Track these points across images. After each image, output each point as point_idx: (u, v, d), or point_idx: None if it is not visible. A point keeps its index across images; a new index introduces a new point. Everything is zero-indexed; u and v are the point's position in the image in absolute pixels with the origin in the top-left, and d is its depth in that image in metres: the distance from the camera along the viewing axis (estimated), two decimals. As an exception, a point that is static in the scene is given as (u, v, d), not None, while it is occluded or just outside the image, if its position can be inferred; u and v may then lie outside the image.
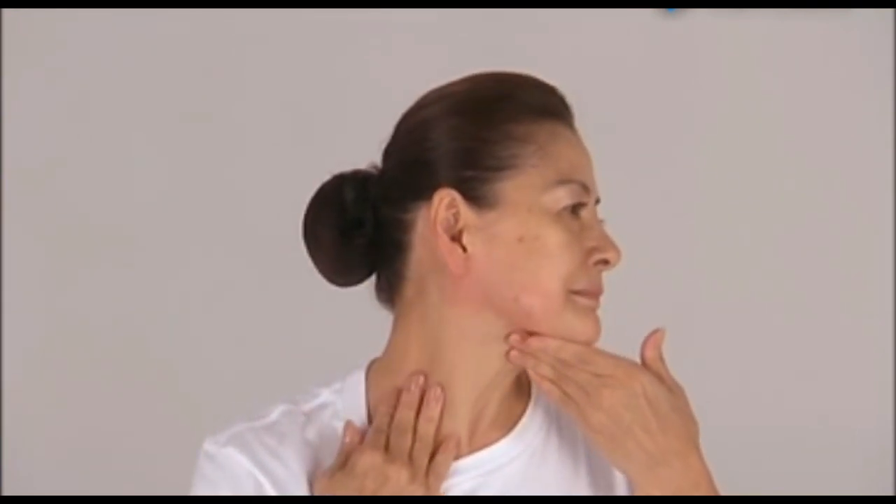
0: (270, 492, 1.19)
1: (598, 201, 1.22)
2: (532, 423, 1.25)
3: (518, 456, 1.23)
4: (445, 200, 1.17)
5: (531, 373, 1.20)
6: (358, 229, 1.22)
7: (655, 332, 1.20)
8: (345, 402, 1.24)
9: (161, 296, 2.49)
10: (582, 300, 1.18)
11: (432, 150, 1.19)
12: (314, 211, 1.23)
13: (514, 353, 1.19)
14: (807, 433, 2.49)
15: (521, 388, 1.27)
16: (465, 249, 1.17)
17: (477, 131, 1.18)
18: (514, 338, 1.18)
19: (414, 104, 1.23)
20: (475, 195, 1.17)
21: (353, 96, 2.48)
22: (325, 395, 1.25)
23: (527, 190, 1.17)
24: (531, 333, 1.18)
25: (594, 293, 1.19)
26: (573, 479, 1.24)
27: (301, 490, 1.19)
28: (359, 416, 1.23)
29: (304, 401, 1.25)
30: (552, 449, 1.25)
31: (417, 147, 1.20)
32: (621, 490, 1.26)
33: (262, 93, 2.54)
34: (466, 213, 1.17)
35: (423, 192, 1.18)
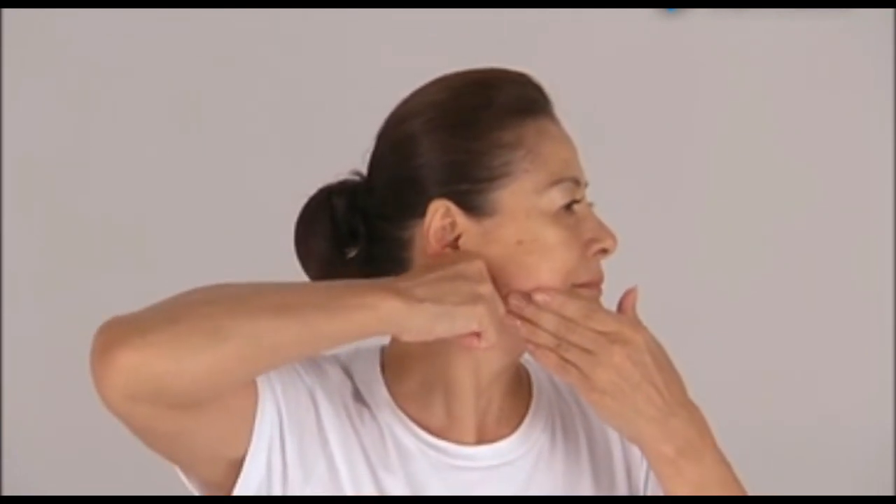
0: (322, 411, 1.18)
1: (586, 185, 1.22)
2: (537, 421, 1.25)
3: (526, 454, 1.23)
4: (440, 211, 1.17)
5: (528, 345, 1.18)
6: (351, 241, 1.23)
7: (632, 289, 1.20)
8: (359, 366, 1.24)
9: (162, 295, 2.49)
10: (584, 292, 1.18)
11: (421, 167, 1.18)
12: (305, 224, 1.23)
13: (511, 318, 1.17)
14: (807, 433, 2.49)
15: (522, 387, 1.27)
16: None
17: (465, 144, 1.18)
18: (514, 300, 1.17)
19: (392, 115, 1.23)
20: (471, 205, 1.17)
21: (357, 96, 2.47)
22: (343, 358, 1.25)
23: (522, 195, 1.17)
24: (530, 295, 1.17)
25: (595, 283, 1.20)
26: (577, 479, 1.25)
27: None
28: (374, 374, 1.23)
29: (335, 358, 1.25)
30: (559, 448, 1.25)
31: (405, 164, 1.19)
32: (623, 488, 1.26)
33: (263, 92, 2.54)
34: (463, 221, 1.17)
35: (418, 208, 1.18)
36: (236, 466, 1.15)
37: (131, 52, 2.53)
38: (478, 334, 1.14)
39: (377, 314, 1.09)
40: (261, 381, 1.15)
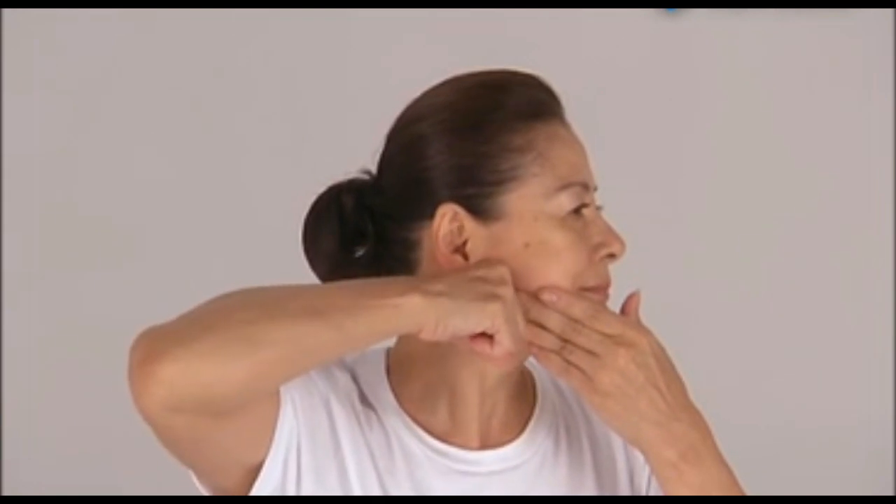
0: (336, 416, 1.18)
1: (595, 189, 1.22)
2: (541, 426, 1.25)
3: (530, 459, 1.23)
4: (448, 215, 1.17)
5: (532, 348, 1.17)
6: (359, 240, 1.22)
7: (635, 293, 1.20)
8: (364, 369, 1.24)
9: (162, 295, 2.48)
10: (591, 296, 1.18)
11: (431, 168, 1.18)
12: (313, 221, 1.23)
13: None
14: (807, 433, 2.49)
15: (526, 391, 1.27)
16: (466, 258, 1.17)
17: (474, 147, 1.17)
18: (519, 300, 1.16)
19: (403, 116, 1.23)
20: (479, 209, 1.17)
21: (357, 95, 2.48)
22: (349, 361, 1.25)
23: (530, 199, 1.17)
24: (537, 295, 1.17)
25: (602, 288, 1.20)
26: (580, 484, 1.25)
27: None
28: (379, 377, 1.23)
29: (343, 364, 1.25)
30: (562, 453, 1.25)
31: (415, 166, 1.19)
32: (625, 493, 1.26)
33: (264, 92, 2.54)
34: (471, 225, 1.17)
35: (427, 210, 1.18)
36: (253, 472, 1.14)
37: (131, 52, 2.53)
38: (491, 339, 1.13)
39: (400, 311, 1.09)
40: (282, 388, 1.15)
